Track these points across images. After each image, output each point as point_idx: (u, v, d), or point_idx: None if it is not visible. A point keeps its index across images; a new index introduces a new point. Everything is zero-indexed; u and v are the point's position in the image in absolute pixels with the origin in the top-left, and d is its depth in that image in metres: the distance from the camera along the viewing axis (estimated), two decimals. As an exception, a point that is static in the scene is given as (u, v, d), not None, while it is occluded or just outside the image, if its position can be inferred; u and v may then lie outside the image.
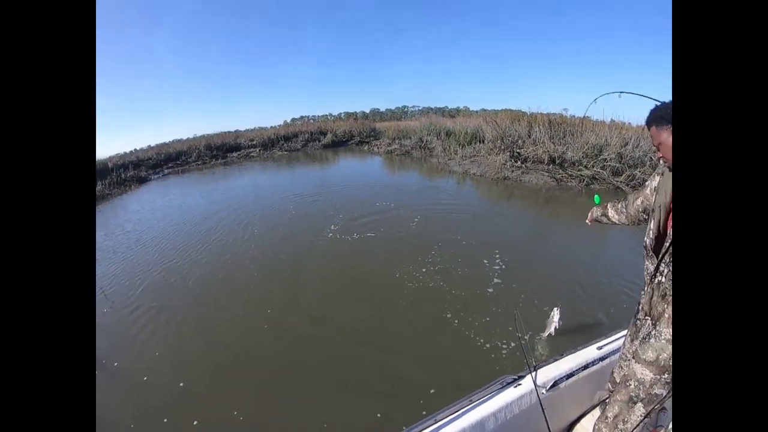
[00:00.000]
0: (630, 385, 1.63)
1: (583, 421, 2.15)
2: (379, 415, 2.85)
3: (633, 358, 1.66)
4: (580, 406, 2.18)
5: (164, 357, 3.89)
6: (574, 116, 11.84)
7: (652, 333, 1.58)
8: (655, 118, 1.40)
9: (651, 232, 1.61)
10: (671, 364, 1.47)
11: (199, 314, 4.67)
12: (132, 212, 11.74)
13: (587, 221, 2.23)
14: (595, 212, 2.16)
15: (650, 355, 1.55)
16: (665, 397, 1.55)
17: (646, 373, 1.57)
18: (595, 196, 2.22)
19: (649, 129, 1.43)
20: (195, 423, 2.97)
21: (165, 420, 3.06)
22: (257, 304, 4.67)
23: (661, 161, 1.46)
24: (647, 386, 1.57)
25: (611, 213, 2.04)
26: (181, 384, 3.43)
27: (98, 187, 16.96)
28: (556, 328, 3.20)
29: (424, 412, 1.38)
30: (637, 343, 1.69)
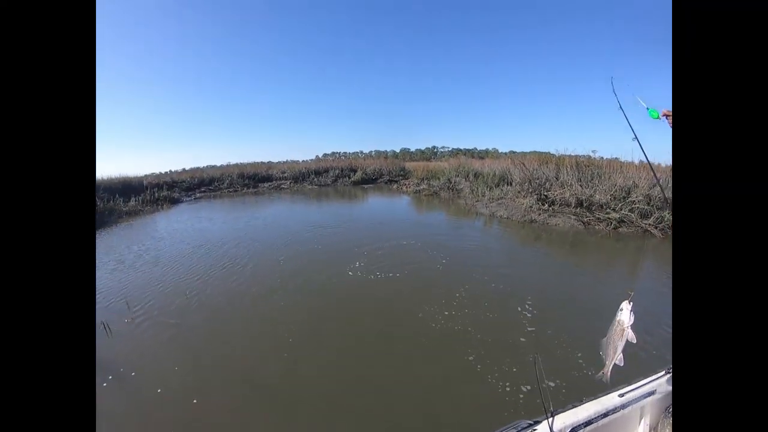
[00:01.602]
0: None
1: None
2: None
3: None
4: None
5: (182, 371, 4.11)
6: (602, 158, 11.83)
7: (669, 409, 1.54)
8: None
9: None
10: None
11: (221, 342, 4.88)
12: (162, 230, 12.45)
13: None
14: None
15: None
16: None
17: None
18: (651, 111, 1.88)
19: None
20: None
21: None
22: (273, 337, 4.83)
23: None
24: None
25: None
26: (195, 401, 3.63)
27: (132, 203, 18.13)
28: (630, 339, 1.81)
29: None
30: None
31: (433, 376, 3.82)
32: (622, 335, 1.77)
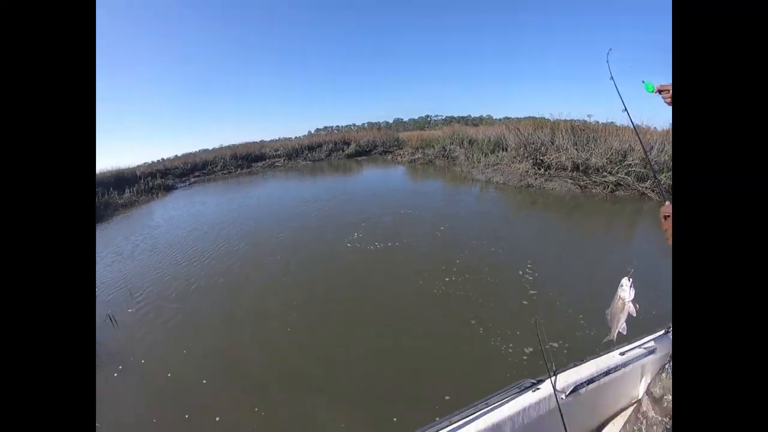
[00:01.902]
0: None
1: (604, 430, 2.07)
2: (395, 419, 2.99)
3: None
4: (601, 414, 2.09)
5: (188, 353, 4.23)
6: (597, 122, 11.74)
7: (666, 367, 1.58)
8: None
9: None
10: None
11: (223, 319, 4.97)
12: (158, 218, 12.50)
13: None
14: None
15: (657, 391, 1.56)
16: None
17: (650, 409, 1.56)
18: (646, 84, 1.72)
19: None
20: (217, 419, 3.21)
21: (186, 416, 3.30)
22: (278, 312, 4.88)
23: None
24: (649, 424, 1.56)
25: None
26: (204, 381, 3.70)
27: (126, 194, 17.93)
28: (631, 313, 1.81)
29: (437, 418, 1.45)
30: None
31: (436, 341, 3.91)
32: (624, 309, 1.81)
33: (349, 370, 3.62)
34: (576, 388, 1.83)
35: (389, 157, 23.91)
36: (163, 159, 27.90)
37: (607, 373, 1.93)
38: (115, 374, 3.98)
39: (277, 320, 4.64)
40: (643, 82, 1.74)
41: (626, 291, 1.83)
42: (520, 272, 5.24)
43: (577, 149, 10.57)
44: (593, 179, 9.90)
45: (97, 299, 6.02)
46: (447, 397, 3.11)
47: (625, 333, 1.84)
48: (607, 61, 2.22)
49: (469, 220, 8.20)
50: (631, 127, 2.74)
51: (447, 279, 5.21)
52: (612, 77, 2.18)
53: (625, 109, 2.12)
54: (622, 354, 2.00)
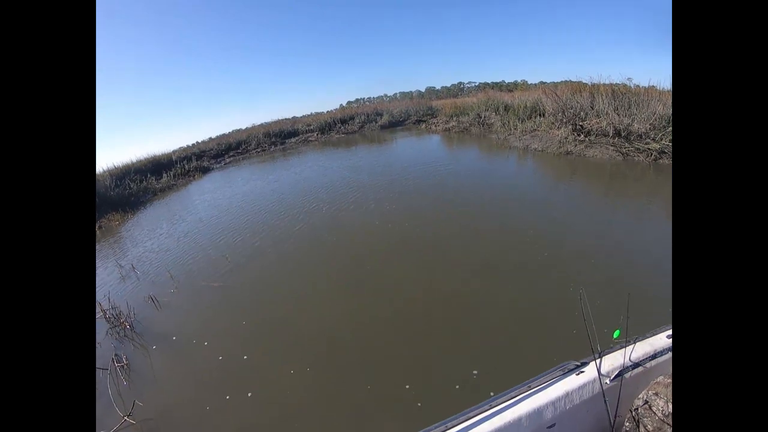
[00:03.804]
0: None
1: None
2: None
3: None
4: None
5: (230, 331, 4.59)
6: (638, 85, 11.26)
7: None
8: None
9: None
10: None
11: (260, 293, 5.40)
12: (194, 199, 13.21)
13: None
14: None
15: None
16: None
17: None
18: (616, 331, 1.90)
19: None
20: (249, 395, 3.52)
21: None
22: (323, 276, 5.31)
23: None
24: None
25: None
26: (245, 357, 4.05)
27: (164, 179, 18.83)
28: None
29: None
30: None
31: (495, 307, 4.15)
32: None
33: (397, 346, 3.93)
34: (621, 372, 1.74)
35: (423, 126, 23.75)
36: (197, 142, 28.96)
37: (653, 356, 1.83)
38: (162, 353, 4.41)
39: (322, 291, 5.03)
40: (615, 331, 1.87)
41: None
42: (563, 247, 5.35)
43: (618, 114, 10.26)
44: (635, 146, 9.66)
45: (140, 281, 6.60)
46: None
47: None
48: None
49: (510, 193, 8.27)
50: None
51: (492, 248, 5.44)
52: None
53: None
54: (669, 337, 1.92)
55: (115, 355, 4.37)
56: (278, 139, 26.82)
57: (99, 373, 4.14)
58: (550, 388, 1.67)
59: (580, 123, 11.27)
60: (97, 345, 4.69)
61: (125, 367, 4.17)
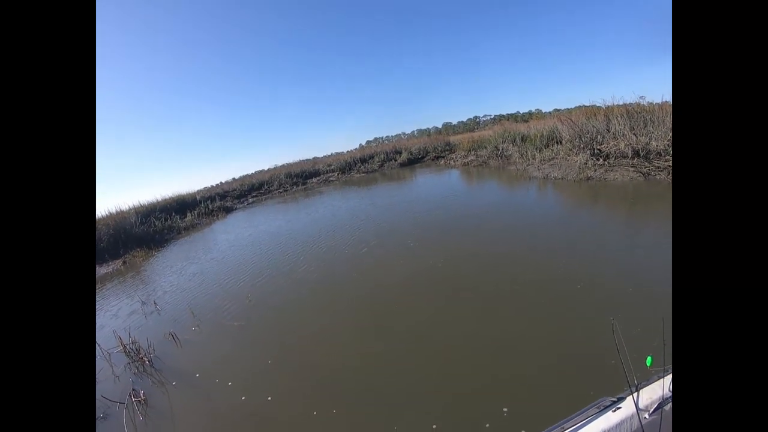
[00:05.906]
0: None
1: None
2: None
3: None
4: None
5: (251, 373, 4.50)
6: (652, 102, 11.14)
7: None
8: None
9: None
10: None
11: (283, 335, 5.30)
12: (217, 239, 13.43)
13: None
14: None
15: None
16: None
17: None
18: (648, 358, 1.79)
19: None
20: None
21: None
22: (346, 327, 5.21)
23: None
24: None
25: None
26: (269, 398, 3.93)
27: (188, 218, 19.38)
28: None
29: None
30: None
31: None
32: None
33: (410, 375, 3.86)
34: (660, 405, 1.62)
35: (442, 161, 24.04)
36: (221, 183, 30.23)
37: None
38: (183, 392, 4.35)
39: (344, 331, 5.03)
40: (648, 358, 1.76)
41: None
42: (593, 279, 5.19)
43: (635, 134, 10.15)
44: (656, 164, 9.47)
45: (162, 318, 6.63)
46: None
47: None
48: None
49: (531, 228, 8.15)
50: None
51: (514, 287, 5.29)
52: None
53: None
54: None
55: (133, 389, 4.39)
56: (300, 179, 27.64)
57: (115, 407, 4.15)
58: (585, 428, 1.58)
59: (598, 147, 11.18)
60: (114, 378, 4.74)
61: (142, 401, 4.17)
